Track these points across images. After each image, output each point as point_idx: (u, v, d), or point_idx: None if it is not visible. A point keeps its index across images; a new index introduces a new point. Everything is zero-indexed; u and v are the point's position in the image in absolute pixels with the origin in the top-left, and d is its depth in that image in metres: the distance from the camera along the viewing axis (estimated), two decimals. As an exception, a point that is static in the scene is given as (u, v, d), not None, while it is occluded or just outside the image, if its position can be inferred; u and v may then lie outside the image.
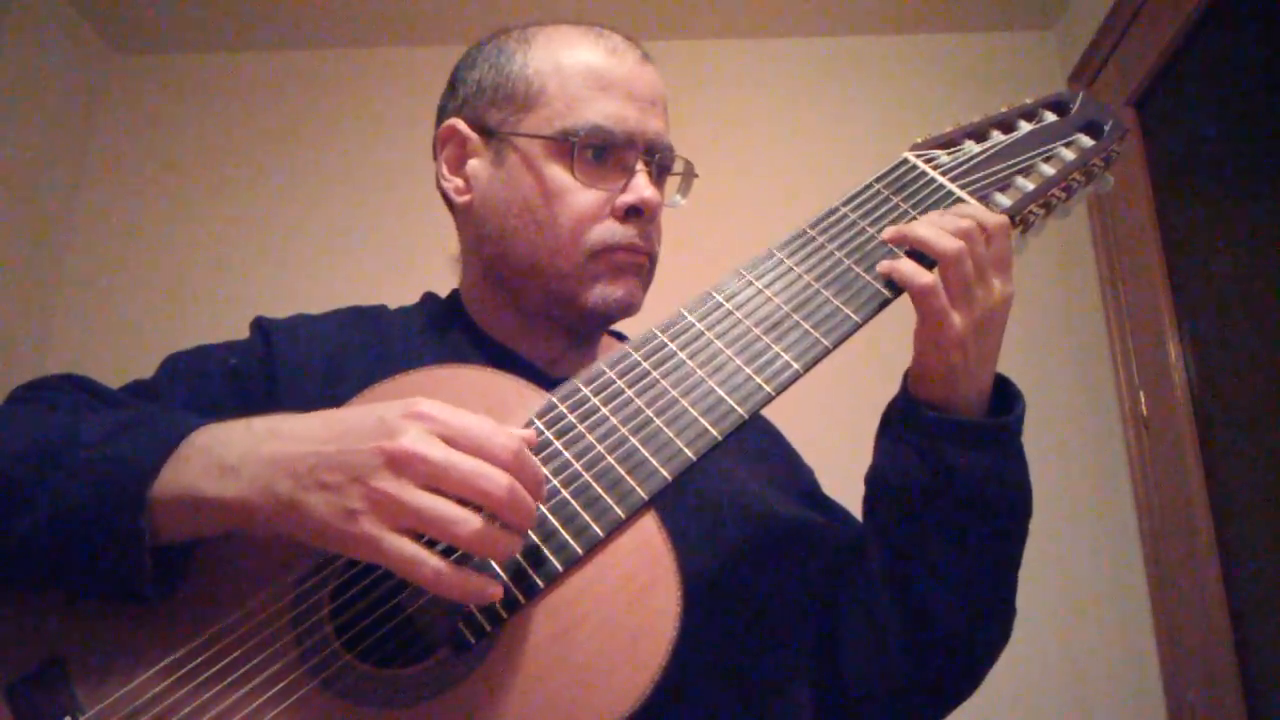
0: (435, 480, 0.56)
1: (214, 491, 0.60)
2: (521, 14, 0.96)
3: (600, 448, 0.66)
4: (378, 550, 0.56)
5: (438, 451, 0.57)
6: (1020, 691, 1.91)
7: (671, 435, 0.67)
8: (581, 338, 0.89)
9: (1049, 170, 0.82)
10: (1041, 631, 1.97)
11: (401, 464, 0.56)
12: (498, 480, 0.57)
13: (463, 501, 0.57)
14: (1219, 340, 1.89)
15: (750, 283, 0.75)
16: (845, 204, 0.79)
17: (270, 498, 0.59)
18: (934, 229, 0.73)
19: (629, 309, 0.84)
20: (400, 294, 0.99)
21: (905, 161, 0.82)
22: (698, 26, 2.47)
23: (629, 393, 0.69)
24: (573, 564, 0.62)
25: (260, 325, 0.87)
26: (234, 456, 0.61)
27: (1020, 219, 0.81)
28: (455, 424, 0.58)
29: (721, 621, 0.74)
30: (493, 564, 0.62)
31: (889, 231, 0.76)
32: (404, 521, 0.56)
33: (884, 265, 0.74)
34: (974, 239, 0.73)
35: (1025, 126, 0.85)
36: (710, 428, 0.67)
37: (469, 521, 0.56)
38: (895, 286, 0.74)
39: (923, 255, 0.74)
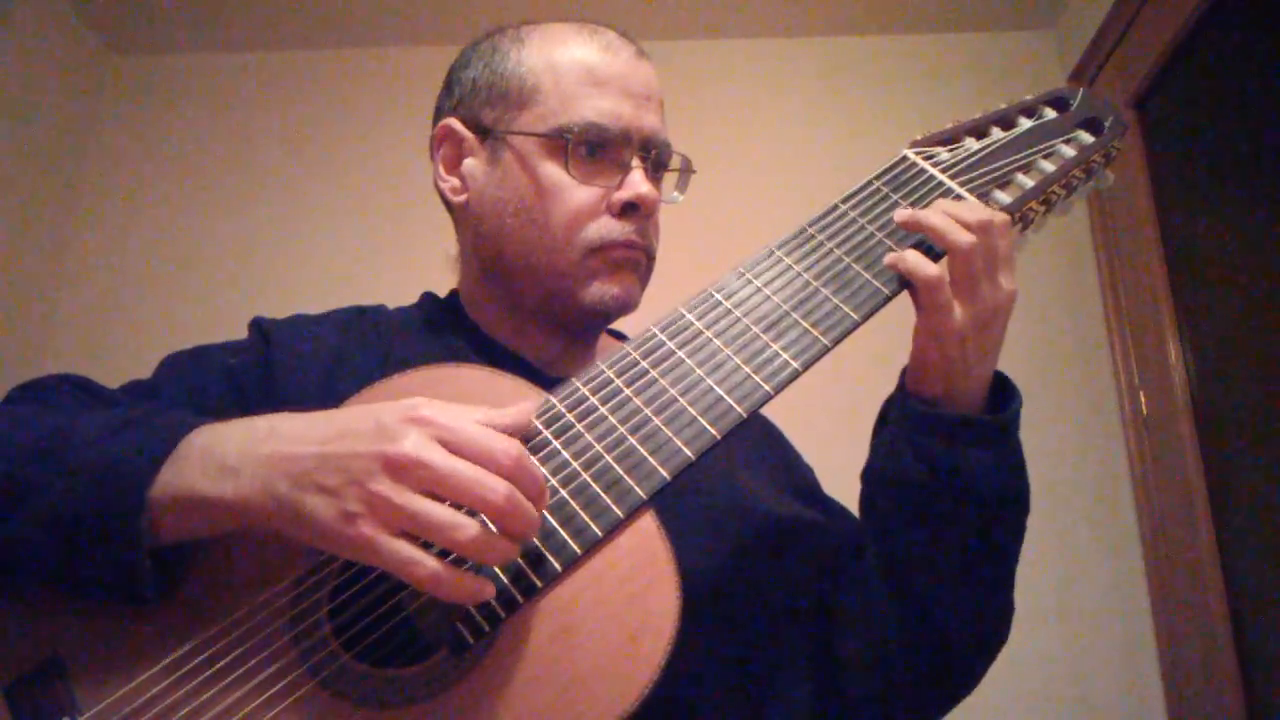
0: (434, 486, 0.56)
1: (213, 491, 0.60)
2: (521, 14, 0.96)
3: (599, 447, 0.66)
4: (374, 552, 0.56)
5: (437, 457, 0.57)
6: (1020, 691, 1.91)
7: (670, 434, 0.66)
8: (580, 337, 0.89)
9: (1049, 167, 0.82)
10: (1041, 631, 1.97)
11: (400, 469, 0.56)
12: (496, 488, 0.57)
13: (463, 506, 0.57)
14: (1219, 340, 1.89)
15: (749, 281, 0.74)
16: (845, 202, 0.79)
17: (268, 498, 0.59)
18: (946, 220, 0.73)
19: (626, 306, 0.84)
20: (400, 294, 0.99)
21: (905, 159, 0.82)
22: (698, 26, 2.47)
23: (627, 392, 0.69)
24: (571, 563, 0.62)
25: (259, 325, 0.87)
26: (233, 456, 0.61)
27: (1020, 216, 0.80)
28: (456, 428, 0.58)
29: (720, 620, 0.74)
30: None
31: (901, 214, 0.76)
32: (401, 525, 0.56)
33: (890, 258, 0.74)
34: (985, 232, 0.73)
35: (1025, 123, 0.85)
36: (709, 426, 0.67)
37: (466, 527, 0.56)
38: (895, 284, 0.74)
39: (928, 247, 0.74)
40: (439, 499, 0.57)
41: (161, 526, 0.61)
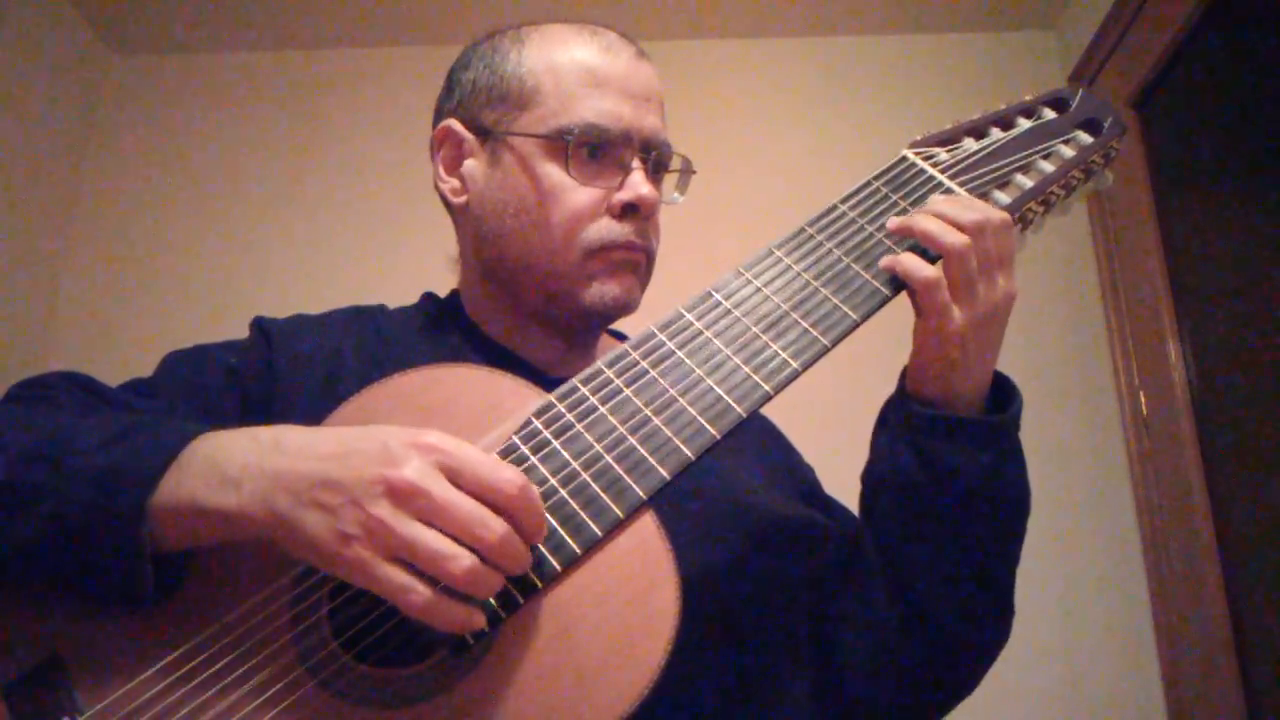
0: (431, 516, 0.56)
1: (213, 502, 0.60)
2: (521, 14, 0.96)
3: (599, 447, 0.66)
4: (368, 575, 0.57)
5: (438, 488, 0.57)
6: (1020, 691, 1.91)
7: (670, 434, 0.66)
8: (580, 337, 0.89)
9: (1048, 167, 0.82)
10: (1041, 631, 1.97)
11: (401, 495, 0.56)
12: (493, 527, 0.57)
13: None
14: (1219, 340, 1.89)
15: (749, 281, 0.74)
16: (844, 202, 0.79)
17: (268, 512, 0.59)
18: (939, 223, 0.73)
19: (626, 307, 0.84)
20: (400, 294, 0.99)
21: (904, 159, 0.82)
22: (698, 26, 2.47)
23: (627, 392, 0.69)
24: (571, 563, 0.62)
25: (260, 325, 0.87)
26: (235, 468, 0.60)
27: (1019, 216, 0.80)
28: (460, 458, 0.58)
29: (720, 621, 0.74)
30: None
31: (893, 222, 0.76)
32: (395, 551, 0.56)
33: (886, 260, 0.74)
34: (980, 234, 0.73)
35: (1024, 124, 0.85)
36: (709, 426, 0.67)
37: (459, 559, 0.56)
38: (895, 285, 0.74)
39: (925, 249, 0.74)
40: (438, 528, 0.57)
41: (162, 534, 0.61)
